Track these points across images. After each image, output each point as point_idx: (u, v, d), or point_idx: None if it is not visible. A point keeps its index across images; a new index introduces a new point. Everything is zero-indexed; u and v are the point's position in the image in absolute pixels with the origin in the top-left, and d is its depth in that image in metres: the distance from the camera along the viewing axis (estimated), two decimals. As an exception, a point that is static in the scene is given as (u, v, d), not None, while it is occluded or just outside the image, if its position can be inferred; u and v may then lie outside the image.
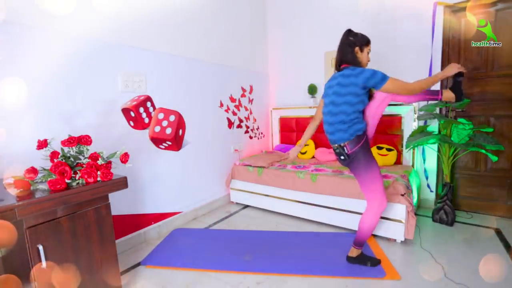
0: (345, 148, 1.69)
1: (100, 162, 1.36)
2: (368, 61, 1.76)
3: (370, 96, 1.72)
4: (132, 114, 2.14)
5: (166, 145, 2.51)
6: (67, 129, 1.76)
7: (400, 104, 2.79)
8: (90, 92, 1.93)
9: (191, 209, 2.78)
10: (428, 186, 2.82)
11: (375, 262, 1.86)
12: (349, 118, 1.65)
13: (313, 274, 1.80)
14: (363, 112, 1.74)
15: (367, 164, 1.70)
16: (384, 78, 1.58)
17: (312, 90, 3.41)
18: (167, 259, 2.04)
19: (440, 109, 2.70)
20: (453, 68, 1.61)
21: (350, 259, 1.89)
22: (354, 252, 1.87)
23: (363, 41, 1.72)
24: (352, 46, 1.70)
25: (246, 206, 3.13)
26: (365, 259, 1.87)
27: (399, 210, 2.11)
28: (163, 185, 2.45)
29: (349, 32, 1.75)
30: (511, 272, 1.75)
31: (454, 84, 1.68)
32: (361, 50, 1.72)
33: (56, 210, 1.21)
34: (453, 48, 2.63)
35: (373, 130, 1.81)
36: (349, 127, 1.66)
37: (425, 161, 2.79)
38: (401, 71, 2.87)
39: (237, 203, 3.21)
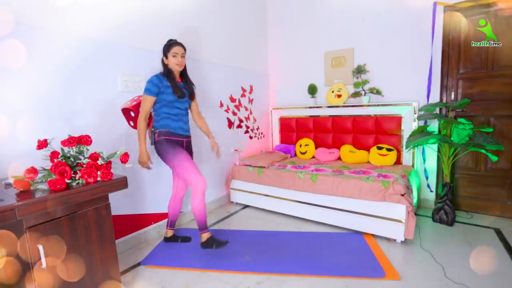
0: (155, 134, 1.99)
1: (100, 162, 1.36)
2: (177, 63, 1.96)
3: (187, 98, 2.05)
4: (132, 114, 2.15)
5: (166, 145, 2.48)
6: (67, 129, 1.76)
7: (399, 104, 2.80)
8: (90, 92, 1.93)
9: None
10: (428, 186, 2.82)
11: (222, 244, 2.07)
12: (158, 113, 1.99)
13: (313, 274, 1.80)
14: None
15: (168, 155, 1.96)
16: (144, 91, 1.91)
17: (312, 90, 3.41)
18: (167, 259, 2.04)
19: (440, 109, 2.70)
20: (142, 160, 1.94)
21: (203, 245, 2.09)
22: (204, 237, 2.08)
23: (165, 49, 1.97)
24: (162, 57, 2.00)
25: (246, 206, 3.13)
26: (211, 243, 2.07)
27: (399, 210, 2.11)
28: (163, 185, 2.45)
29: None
30: (511, 272, 1.75)
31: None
32: (166, 57, 1.97)
33: (56, 210, 1.21)
34: (453, 48, 2.63)
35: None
36: (160, 120, 1.98)
37: (425, 161, 2.79)
38: (401, 71, 2.89)
39: (237, 203, 3.20)
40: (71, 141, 1.34)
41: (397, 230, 2.13)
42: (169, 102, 1.95)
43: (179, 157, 1.95)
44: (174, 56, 1.94)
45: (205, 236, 2.07)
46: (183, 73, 2.08)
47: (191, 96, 2.10)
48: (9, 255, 1.07)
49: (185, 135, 2.07)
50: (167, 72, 1.97)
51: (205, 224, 2.06)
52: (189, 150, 2.15)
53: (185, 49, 2.00)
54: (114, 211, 1.83)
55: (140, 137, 1.91)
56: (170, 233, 2.29)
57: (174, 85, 1.95)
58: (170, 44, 1.96)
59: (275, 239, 2.31)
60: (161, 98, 1.93)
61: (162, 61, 1.99)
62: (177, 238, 2.29)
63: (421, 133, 2.43)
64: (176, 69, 1.98)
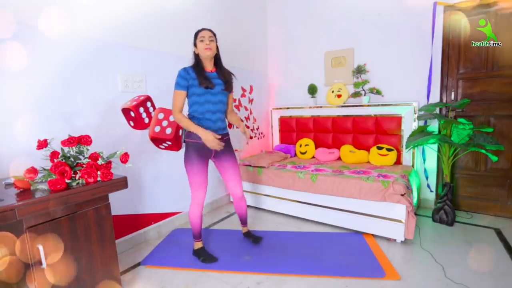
0: (184, 133, 1.91)
1: (100, 162, 1.36)
2: (205, 47, 1.82)
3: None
4: (132, 114, 2.15)
5: (166, 145, 2.50)
6: (67, 129, 1.76)
7: (399, 104, 2.80)
8: (90, 92, 1.93)
9: (191, 209, 2.77)
10: (428, 186, 2.82)
11: (208, 259, 1.98)
12: (188, 111, 1.90)
13: (313, 274, 1.80)
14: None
15: (188, 161, 1.89)
16: (174, 85, 1.80)
17: (312, 90, 3.41)
18: (167, 259, 2.04)
19: (440, 109, 2.70)
20: (209, 141, 1.78)
21: (193, 252, 2.07)
22: (195, 246, 2.06)
23: (194, 39, 1.88)
24: (193, 48, 1.90)
25: (246, 206, 3.13)
26: (200, 253, 2.02)
27: (399, 210, 2.11)
28: (163, 185, 2.45)
29: None
30: (511, 272, 1.75)
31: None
32: (196, 46, 1.86)
33: (56, 210, 1.21)
34: (453, 48, 2.63)
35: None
36: (189, 118, 1.88)
37: (425, 161, 2.79)
38: (401, 71, 2.89)
39: (237, 203, 3.20)
40: (71, 141, 1.34)
41: (397, 230, 2.13)
42: (199, 95, 1.80)
43: (195, 170, 1.87)
44: (201, 40, 1.81)
45: (196, 245, 2.04)
46: (217, 62, 1.92)
47: (228, 86, 1.89)
48: (9, 255, 1.07)
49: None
50: (196, 63, 1.84)
51: (198, 233, 2.02)
52: (222, 151, 1.96)
53: (214, 34, 1.86)
54: (114, 211, 1.84)
55: (189, 126, 1.77)
56: (244, 229, 2.29)
57: (200, 75, 1.79)
58: (198, 31, 1.85)
59: (275, 239, 2.31)
60: (191, 92, 1.80)
61: (194, 52, 1.88)
62: (250, 235, 2.27)
63: (421, 133, 2.43)
64: (206, 55, 1.81)
